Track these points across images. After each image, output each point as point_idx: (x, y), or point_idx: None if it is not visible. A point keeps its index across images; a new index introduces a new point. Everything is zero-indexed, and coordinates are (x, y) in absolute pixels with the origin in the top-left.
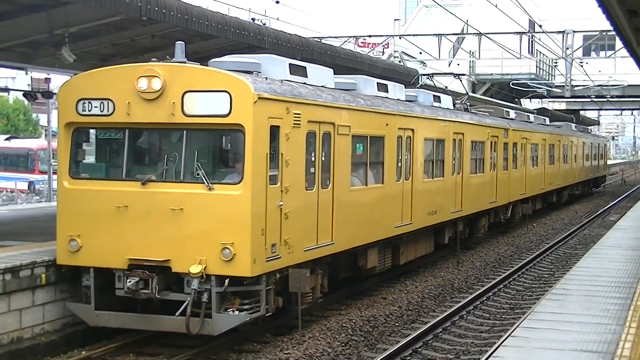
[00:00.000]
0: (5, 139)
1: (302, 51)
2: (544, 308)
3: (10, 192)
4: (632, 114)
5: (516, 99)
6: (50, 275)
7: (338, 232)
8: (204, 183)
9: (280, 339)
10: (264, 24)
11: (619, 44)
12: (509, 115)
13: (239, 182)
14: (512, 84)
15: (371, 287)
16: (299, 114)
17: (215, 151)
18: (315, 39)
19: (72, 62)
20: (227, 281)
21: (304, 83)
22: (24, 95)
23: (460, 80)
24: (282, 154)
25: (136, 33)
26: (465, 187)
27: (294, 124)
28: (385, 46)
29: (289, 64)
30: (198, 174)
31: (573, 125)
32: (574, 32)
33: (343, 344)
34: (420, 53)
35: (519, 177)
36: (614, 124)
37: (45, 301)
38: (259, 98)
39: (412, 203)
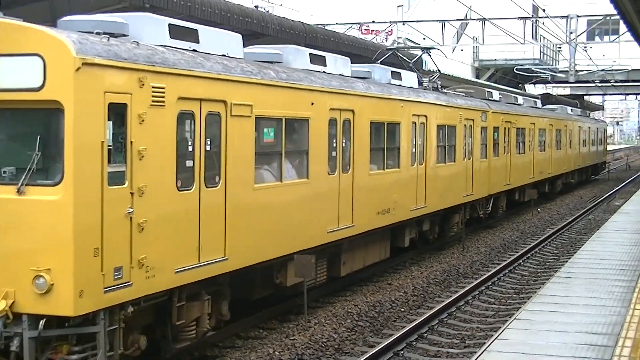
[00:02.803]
0: None
1: (306, 37)
2: (549, 291)
3: None
4: (636, 98)
5: (520, 85)
6: None
7: (234, 244)
8: (10, 184)
9: (286, 325)
10: (267, 12)
11: (623, 28)
12: (491, 97)
13: (58, 183)
14: (516, 69)
15: (377, 273)
16: (163, 88)
17: (26, 140)
18: (319, 26)
19: None
20: (42, 322)
21: (194, 50)
22: None
23: (430, 55)
24: (132, 142)
25: None
26: (431, 180)
27: (154, 101)
28: (389, 33)
29: (169, 24)
30: (4, 172)
31: (569, 108)
32: (578, 16)
33: (349, 330)
34: (424, 39)
35: (502, 166)
36: (618, 109)
37: None
38: (84, 64)
39: (354, 201)
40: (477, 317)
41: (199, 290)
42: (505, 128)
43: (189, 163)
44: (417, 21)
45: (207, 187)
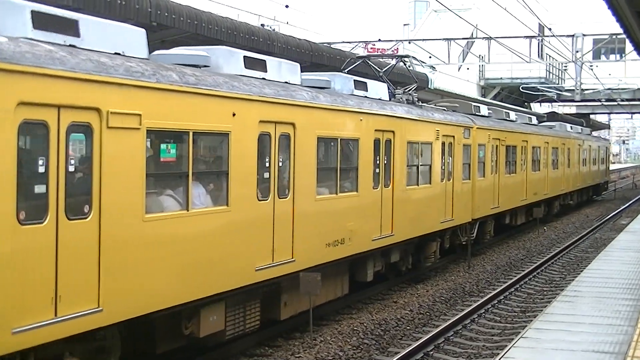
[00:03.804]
0: None
1: (312, 56)
2: (555, 310)
3: None
4: None
5: (526, 103)
6: None
7: (115, 289)
8: None
9: (292, 342)
10: (273, 30)
11: (629, 47)
12: (478, 111)
13: None
14: (522, 88)
15: (382, 291)
16: None
17: None
18: (325, 44)
19: None
20: None
21: (72, 46)
22: None
23: (404, 64)
24: None
25: None
26: (400, 204)
27: None
28: (395, 51)
29: (32, 11)
30: None
31: (568, 126)
32: (584, 35)
33: (354, 348)
34: (430, 57)
35: (489, 188)
36: (624, 127)
37: None
38: None
39: (295, 232)
40: (483, 336)
41: (60, 352)
42: (493, 145)
43: (39, 188)
44: (423, 39)
45: (70, 219)
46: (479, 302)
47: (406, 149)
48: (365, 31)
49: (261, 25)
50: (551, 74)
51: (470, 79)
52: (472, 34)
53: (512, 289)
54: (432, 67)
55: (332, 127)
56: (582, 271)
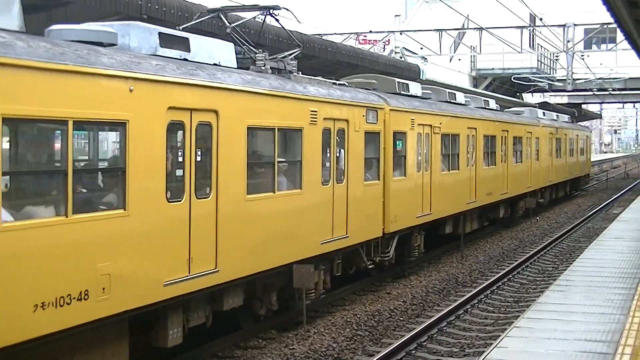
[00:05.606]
0: None
1: (303, 47)
2: (548, 299)
3: None
4: (634, 106)
5: (518, 94)
6: None
7: None
8: None
9: (285, 334)
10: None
11: (620, 36)
12: (406, 91)
13: None
14: (514, 78)
15: (375, 282)
16: None
17: None
18: (316, 36)
19: None
20: None
21: None
22: None
23: (276, 19)
24: None
25: None
26: (232, 223)
27: None
28: (386, 42)
29: None
30: None
31: (540, 112)
32: (575, 25)
33: (348, 339)
34: (422, 48)
35: (414, 190)
36: (616, 117)
37: None
38: None
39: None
40: (476, 326)
41: None
42: (420, 134)
43: None
44: (414, 31)
45: None
46: (472, 293)
47: (246, 139)
48: (357, 22)
49: (252, 17)
50: (543, 64)
51: (462, 69)
52: (463, 24)
53: (505, 279)
54: (424, 58)
55: (49, 101)
56: (574, 261)
